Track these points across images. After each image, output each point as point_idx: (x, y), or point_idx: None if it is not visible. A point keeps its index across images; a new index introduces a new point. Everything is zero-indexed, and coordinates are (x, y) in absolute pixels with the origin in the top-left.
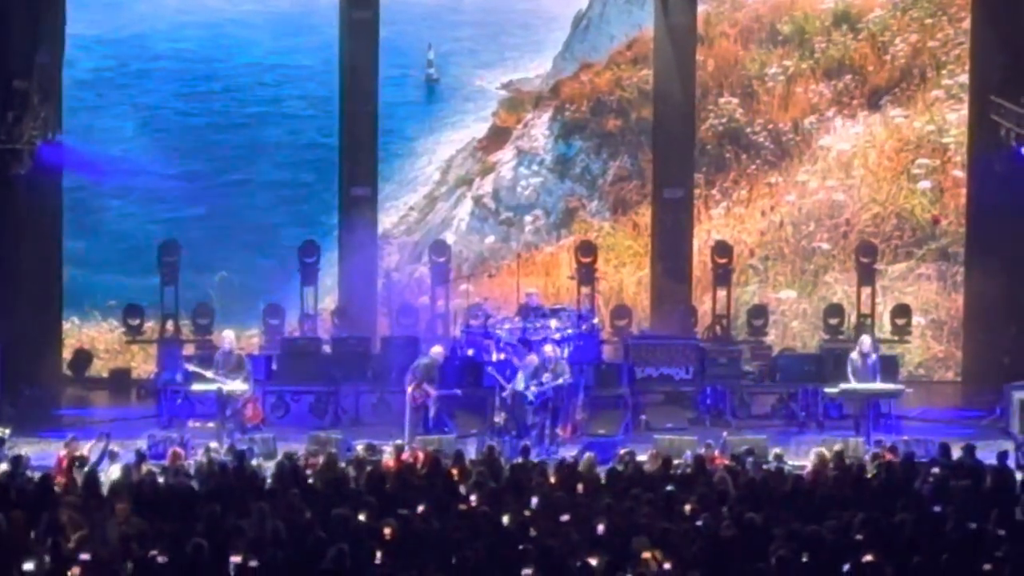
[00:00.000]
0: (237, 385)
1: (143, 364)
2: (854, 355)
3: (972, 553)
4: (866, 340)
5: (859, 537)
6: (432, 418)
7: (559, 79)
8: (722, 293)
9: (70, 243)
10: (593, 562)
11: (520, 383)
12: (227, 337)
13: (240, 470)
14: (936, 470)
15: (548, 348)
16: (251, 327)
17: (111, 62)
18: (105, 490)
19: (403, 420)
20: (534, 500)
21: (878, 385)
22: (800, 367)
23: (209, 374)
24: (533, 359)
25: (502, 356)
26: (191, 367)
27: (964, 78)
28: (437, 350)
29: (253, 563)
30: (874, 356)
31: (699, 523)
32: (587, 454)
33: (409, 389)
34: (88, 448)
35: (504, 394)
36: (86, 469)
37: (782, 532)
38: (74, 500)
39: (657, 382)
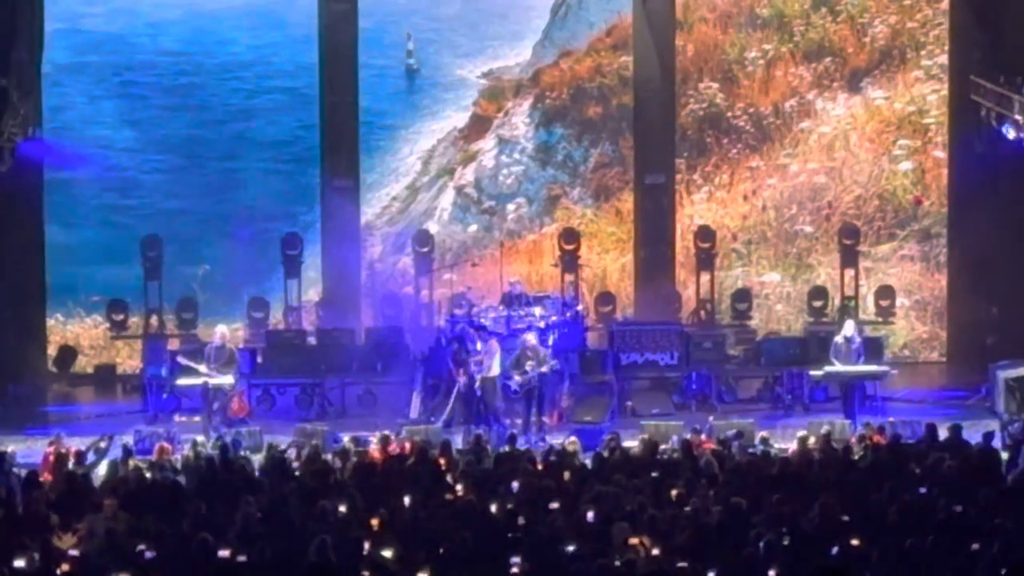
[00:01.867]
0: (223, 379)
1: (128, 360)
2: (838, 339)
3: (959, 533)
4: (850, 324)
5: (846, 519)
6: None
7: (539, 67)
8: (705, 278)
9: (52, 238)
10: (581, 549)
11: (495, 369)
12: (219, 331)
13: (227, 464)
14: (923, 451)
15: (530, 337)
16: (235, 320)
17: (92, 57)
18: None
19: (389, 411)
20: (520, 487)
21: (863, 367)
22: (785, 350)
23: (202, 368)
24: (494, 345)
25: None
26: (183, 360)
27: (944, 59)
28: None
29: (241, 557)
30: (858, 340)
31: (687, 508)
32: (570, 439)
33: (461, 376)
34: (87, 445)
35: (459, 384)
36: (86, 465)
37: (769, 516)
38: (63, 497)
39: (642, 368)
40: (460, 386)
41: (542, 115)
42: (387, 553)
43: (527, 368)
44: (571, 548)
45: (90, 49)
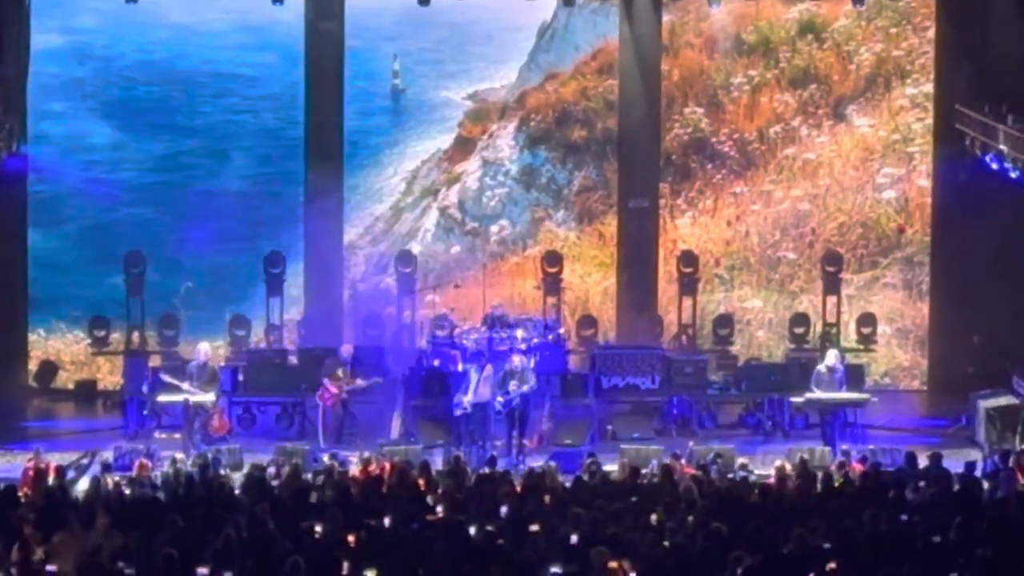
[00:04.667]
0: (204, 396)
1: (109, 376)
2: (820, 368)
3: (937, 562)
4: (832, 354)
5: (825, 546)
6: (339, 417)
7: (524, 90)
8: (688, 302)
9: (35, 253)
10: (560, 571)
11: (470, 395)
12: (202, 349)
13: (206, 481)
14: (902, 479)
15: (516, 358)
16: (217, 338)
17: (78, 72)
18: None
19: (369, 431)
20: (502, 510)
21: (844, 394)
22: (766, 376)
23: (185, 385)
24: (489, 370)
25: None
26: (166, 377)
27: (929, 87)
28: (345, 347)
29: (223, 574)
30: (841, 370)
31: (666, 533)
32: (549, 463)
33: (331, 389)
34: (69, 462)
35: (460, 407)
36: (66, 481)
37: (748, 541)
38: (41, 512)
39: (623, 392)
40: (330, 396)
41: (527, 137)
42: (369, 574)
43: (510, 389)
44: (552, 571)
45: (77, 65)
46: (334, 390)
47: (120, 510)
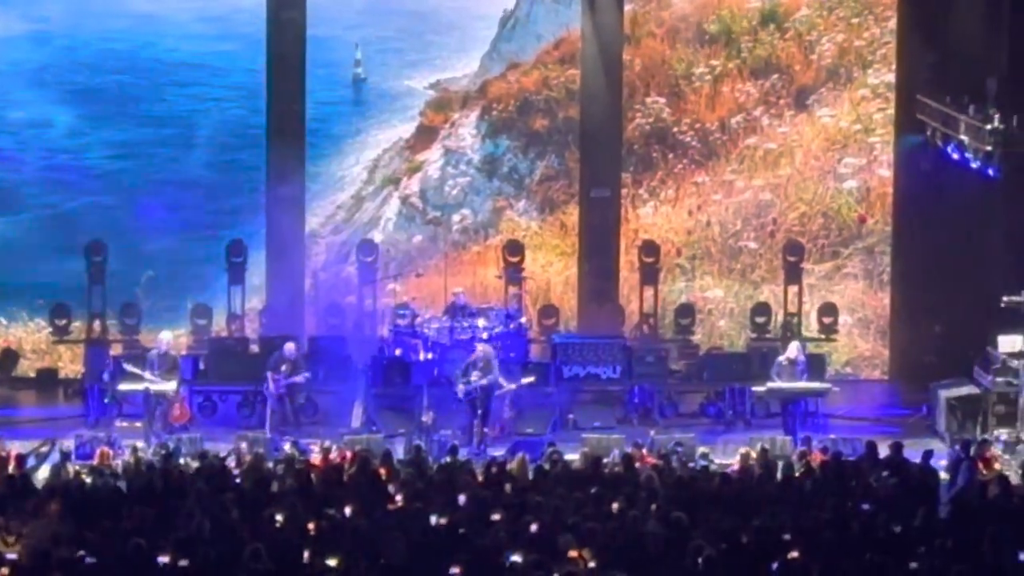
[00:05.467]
0: (165, 385)
1: (70, 364)
2: (781, 359)
3: (898, 551)
4: (794, 346)
5: (786, 536)
6: (291, 407)
7: (486, 79)
8: (649, 292)
9: None
10: (521, 560)
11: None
12: (164, 338)
13: (167, 470)
14: (863, 468)
15: (480, 348)
16: (178, 326)
17: (39, 60)
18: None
19: (330, 420)
20: (462, 499)
21: (805, 384)
22: (727, 366)
23: (147, 375)
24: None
25: (430, 356)
26: (129, 367)
27: (890, 77)
28: (288, 345)
29: (183, 562)
30: (802, 361)
31: (626, 522)
32: (520, 454)
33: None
34: (29, 450)
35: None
36: (26, 469)
37: (708, 531)
38: (2, 500)
39: (585, 381)
40: (269, 392)
41: (488, 127)
42: (331, 562)
43: (472, 378)
44: (512, 559)
45: (38, 52)
46: (272, 387)
47: (82, 499)
